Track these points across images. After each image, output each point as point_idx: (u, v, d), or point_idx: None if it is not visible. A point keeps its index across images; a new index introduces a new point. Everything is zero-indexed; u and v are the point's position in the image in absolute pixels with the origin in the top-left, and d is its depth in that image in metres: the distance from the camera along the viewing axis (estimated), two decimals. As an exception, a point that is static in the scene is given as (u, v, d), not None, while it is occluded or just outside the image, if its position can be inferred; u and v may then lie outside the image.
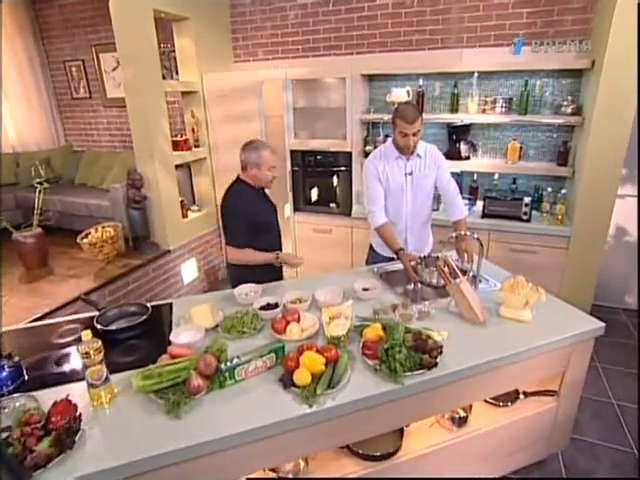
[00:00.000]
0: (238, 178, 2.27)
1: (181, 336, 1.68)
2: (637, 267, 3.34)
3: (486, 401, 1.88)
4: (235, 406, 1.37)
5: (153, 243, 3.59)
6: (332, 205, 3.76)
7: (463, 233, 2.15)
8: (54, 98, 5.15)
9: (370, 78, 3.67)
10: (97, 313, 1.88)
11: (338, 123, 3.55)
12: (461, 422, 1.78)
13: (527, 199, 3.10)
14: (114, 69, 4.66)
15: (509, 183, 3.41)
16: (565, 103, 3.08)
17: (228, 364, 1.45)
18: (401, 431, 1.71)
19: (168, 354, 1.53)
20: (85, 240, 3.15)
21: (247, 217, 2.18)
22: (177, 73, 3.87)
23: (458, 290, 1.84)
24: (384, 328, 1.66)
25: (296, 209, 3.90)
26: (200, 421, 1.31)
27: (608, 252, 3.32)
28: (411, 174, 2.36)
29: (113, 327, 1.81)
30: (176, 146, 3.71)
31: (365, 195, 2.45)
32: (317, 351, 1.52)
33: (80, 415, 1.27)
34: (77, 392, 1.38)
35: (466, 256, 2.20)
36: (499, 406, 1.88)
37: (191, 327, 1.75)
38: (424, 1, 3.38)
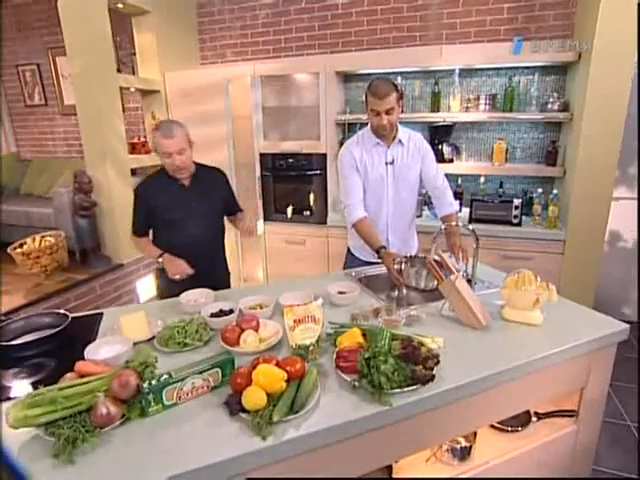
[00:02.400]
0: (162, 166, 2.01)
1: (102, 350, 1.29)
2: (637, 276, 3.10)
3: (492, 426, 1.52)
4: (160, 442, 0.98)
5: (104, 256, 3.17)
6: (306, 213, 3.44)
7: (454, 224, 1.85)
8: (5, 105, 4.74)
9: (346, 78, 3.45)
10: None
11: (311, 123, 3.28)
12: (464, 454, 1.41)
13: (517, 201, 2.87)
14: (72, 74, 4.32)
15: (496, 187, 3.18)
16: (551, 100, 2.90)
17: (154, 383, 1.06)
18: (389, 469, 1.33)
19: (75, 372, 1.14)
20: (18, 250, 2.70)
21: (145, 207, 1.99)
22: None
23: (454, 289, 1.51)
24: (364, 334, 1.32)
25: (266, 218, 3.55)
26: (106, 466, 0.92)
27: (603, 260, 3.07)
28: (392, 163, 2.07)
29: (14, 342, 1.40)
30: (133, 149, 3.37)
31: (341, 187, 2.14)
32: (277, 364, 1.15)
33: None
34: None
35: (461, 254, 1.89)
36: (507, 431, 1.52)
37: (117, 339, 1.36)
38: (400, -3, 3.22)
